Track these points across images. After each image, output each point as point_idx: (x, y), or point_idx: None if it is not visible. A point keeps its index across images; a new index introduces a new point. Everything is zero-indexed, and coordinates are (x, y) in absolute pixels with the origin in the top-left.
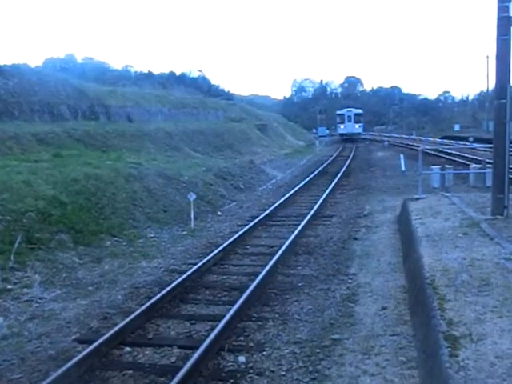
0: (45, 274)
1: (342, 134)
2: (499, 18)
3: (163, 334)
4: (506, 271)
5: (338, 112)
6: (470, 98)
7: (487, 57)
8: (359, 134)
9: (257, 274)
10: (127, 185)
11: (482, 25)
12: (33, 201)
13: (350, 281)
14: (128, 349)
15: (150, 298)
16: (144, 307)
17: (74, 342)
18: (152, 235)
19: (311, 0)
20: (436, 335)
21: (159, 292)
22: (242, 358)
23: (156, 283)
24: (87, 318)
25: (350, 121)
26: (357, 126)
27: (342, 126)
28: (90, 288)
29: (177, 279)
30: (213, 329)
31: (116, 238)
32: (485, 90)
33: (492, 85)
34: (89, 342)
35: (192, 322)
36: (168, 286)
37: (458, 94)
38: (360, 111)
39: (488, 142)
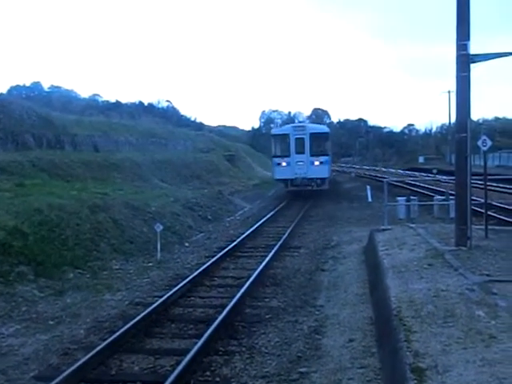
0: (3, 308)
1: (285, 181)
2: (458, 56)
3: (126, 369)
4: (469, 302)
5: (275, 132)
6: (433, 130)
7: (449, 92)
8: (323, 179)
9: (224, 307)
10: (92, 215)
11: (444, 59)
12: None
13: (317, 312)
14: None
15: (114, 333)
16: (107, 342)
17: (32, 380)
18: (117, 267)
19: (280, 33)
20: (403, 367)
21: (123, 326)
22: None
23: (120, 317)
24: (47, 354)
25: (301, 150)
26: (317, 162)
27: (283, 164)
28: (51, 322)
29: (142, 312)
30: (178, 363)
31: (79, 270)
32: (447, 123)
33: (453, 118)
34: (48, 379)
35: (157, 356)
36: (132, 319)
37: (422, 126)
38: (324, 129)
39: (451, 174)
